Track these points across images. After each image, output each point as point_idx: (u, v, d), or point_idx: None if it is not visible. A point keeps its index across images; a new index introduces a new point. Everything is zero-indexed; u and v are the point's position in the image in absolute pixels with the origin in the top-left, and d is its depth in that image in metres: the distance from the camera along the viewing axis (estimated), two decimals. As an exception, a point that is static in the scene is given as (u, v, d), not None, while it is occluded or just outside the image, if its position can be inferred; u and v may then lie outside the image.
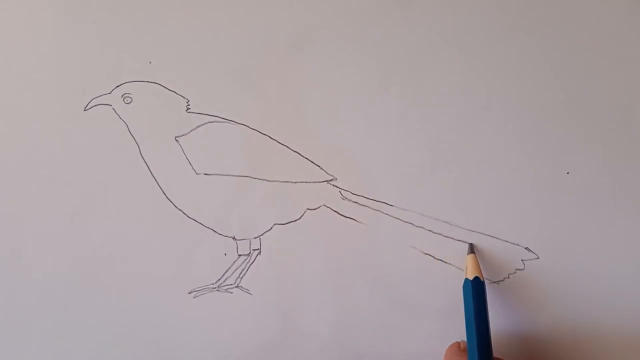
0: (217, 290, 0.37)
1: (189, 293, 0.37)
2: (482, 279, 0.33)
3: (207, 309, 0.37)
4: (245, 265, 0.37)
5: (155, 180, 0.37)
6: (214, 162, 0.37)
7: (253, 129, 0.37)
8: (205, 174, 0.37)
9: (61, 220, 0.37)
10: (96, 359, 0.37)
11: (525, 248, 0.36)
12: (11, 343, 0.38)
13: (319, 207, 0.37)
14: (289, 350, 0.37)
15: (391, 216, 0.36)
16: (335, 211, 0.37)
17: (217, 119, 0.37)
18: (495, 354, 0.33)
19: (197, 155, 0.37)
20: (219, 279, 0.37)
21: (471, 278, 0.33)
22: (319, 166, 0.37)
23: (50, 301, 0.37)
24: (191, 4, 0.37)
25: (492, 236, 0.36)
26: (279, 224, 0.37)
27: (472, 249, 0.35)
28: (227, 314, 0.37)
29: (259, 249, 0.37)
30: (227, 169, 0.37)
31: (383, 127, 0.36)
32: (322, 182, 0.37)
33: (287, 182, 0.37)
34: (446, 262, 0.36)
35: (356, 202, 0.36)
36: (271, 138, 0.37)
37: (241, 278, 0.37)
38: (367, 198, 0.36)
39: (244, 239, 0.37)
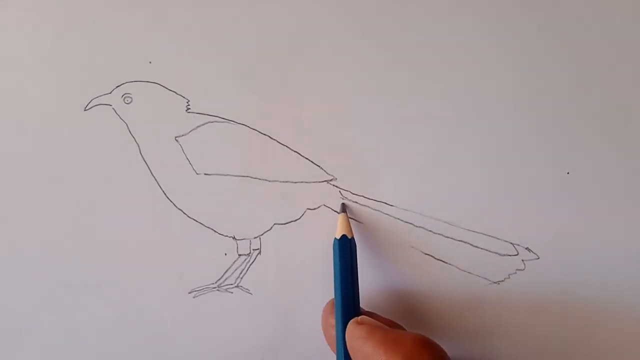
0: (217, 290, 0.37)
1: (189, 293, 0.37)
2: (349, 237, 0.34)
3: (207, 309, 0.37)
4: (245, 265, 0.37)
5: (155, 180, 0.37)
6: (214, 162, 0.37)
7: (253, 129, 0.37)
8: (205, 174, 0.37)
9: (61, 220, 0.37)
10: (95, 359, 0.37)
11: (526, 248, 0.36)
12: (11, 342, 0.38)
13: (319, 207, 0.37)
14: (289, 350, 0.37)
15: (391, 216, 0.36)
16: (335, 211, 0.37)
17: (217, 119, 0.37)
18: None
19: (197, 155, 0.37)
20: (219, 279, 0.37)
21: (338, 237, 0.34)
22: (319, 166, 0.37)
23: (49, 301, 0.37)
24: (191, 4, 0.37)
25: (492, 236, 0.36)
26: (279, 224, 0.37)
27: (343, 208, 0.36)
28: (227, 314, 0.37)
29: (259, 249, 0.37)
30: (227, 169, 0.37)
31: (383, 127, 0.36)
32: (322, 182, 0.37)
33: (287, 182, 0.37)
34: (446, 262, 0.36)
35: (356, 202, 0.36)
36: (271, 138, 0.37)
37: (241, 278, 0.37)
38: (367, 198, 0.36)
39: (244, 239, 0.37)
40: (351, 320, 0.31)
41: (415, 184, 0.36)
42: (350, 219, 0.36)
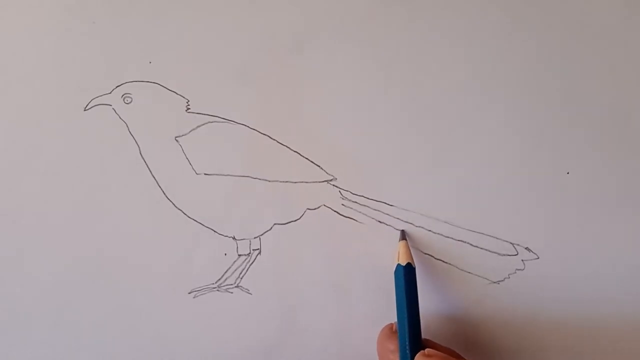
0: (217, 290, 0.37)
1: (189, 293, 0.37)
2: (413, 265, 0.34)
3: (207, 309, 0.37)
4: (245, 265, 0.37)
5: (155, 180, 0.37)
6: (214, 162, 0.37)
7: (253, 129, 0.37)
8: (205, 174, 0.37)
9: (61, 220, 0.37)
10: (96, 359, 0.37)
11: (526, 248, 0.36)
12: (11, 342, 0.38)
13: (319, 207, 0.37)
14: (289, 350, 0.37)
15: (391, 216, 0.36)
16: (335, 211, 0.37)
17: (217, 119, 0.37)
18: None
19: (197, 155, 0.37)
20: (219, 279, 0.37)
21: (404, 264, 0.33)
22: (319, 166, 0.37)
23: (50, 301, 0.37)
24: (191, 4, 0.37)
25: (492, 236, 0.36)
26: (279, 224, 0.37)
27: (403, 235, 0.36)
28: (227, 314, 0.37)
29: (259, 249, 0.37)
30: (227, 169, 0.37)
31: (383, 127, 0.36)
32: (322, 182, 0.37)
33: (287, 182, 0.37)
34: (446, 262, 0.36)
35: (356, 202, 0.36)
36: (271, 138, 0.37)
37: (241, 278, 0.37)
38: (367, 198, 0.36)
39: (244, 239, 0.37)
40: (419, 354, 0.31)
41: (415, 184, 0.36)
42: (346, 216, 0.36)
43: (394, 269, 0.34)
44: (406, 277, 0.33)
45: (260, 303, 0.37)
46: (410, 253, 0.34)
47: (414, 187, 0.36)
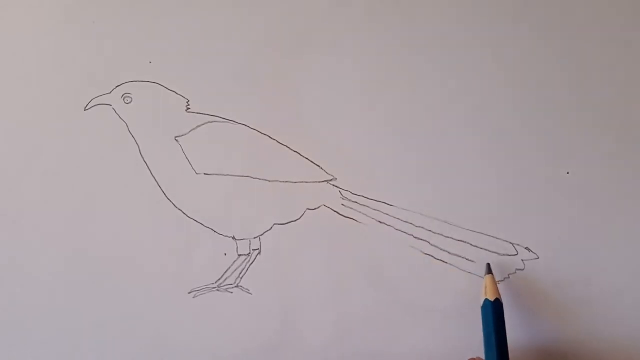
0: (217, 290, 0.37)
1: (189, 293, 0.37)
2: (501, 301, 0.33)
3: (207, 309, 0.37)
4: (245, 265, 0.37)
5: (155, 180, 0.37)
6: (214, 162, 0.37)
7: (253, 129, 0.37)
8: (205, 174, 0.37)
9: (61, 220, 0.37)
10: (96, 359, 0.37)
11: (526, 248, 0.36)
12: (11, 342, 0.38)
13: (319, 207, 0.37)
14: (289, 350, 0.37)
15: (391, 216, 0.36)
16: (335, 211, 0.37)
17: (217, 119, 0.37)
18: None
19: (197, 155, 0.37)
20: (219, 279, 0.37)
21: (492, 299, 0.33)
22: (319, 166, 0.37)
23: (50, 301, 0.37)
24: (191, 4, 0.37)
25: (492, 236, 0.36)
26: (279, 224, 0.37)
27: (489, 269, 0.35)
28: (227, 314, 0.37)
29: (259, 249, 0.37)
30: (227, 169, 0.37)
31: (383, 127, 0.36)
32: (322, 182, 0.37)
33: (287, 182, 0.37)
34: (446, 262, 0.36)
35: (356, 202, 0.36)
36: (271, 138, 0.37)
37: (241, 278, 0.37)
38: (367, 198, 0.36)
39: (244, 239, 0.37)
40: None
41: (415, 184, 0.36)
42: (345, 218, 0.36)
43: (481, 304, 0.34)
44: (495, 312, 0.32)
45: (260, 303, 0.37)
46: (497, 288, 0.34)
47: (414, 187, 0.36)
